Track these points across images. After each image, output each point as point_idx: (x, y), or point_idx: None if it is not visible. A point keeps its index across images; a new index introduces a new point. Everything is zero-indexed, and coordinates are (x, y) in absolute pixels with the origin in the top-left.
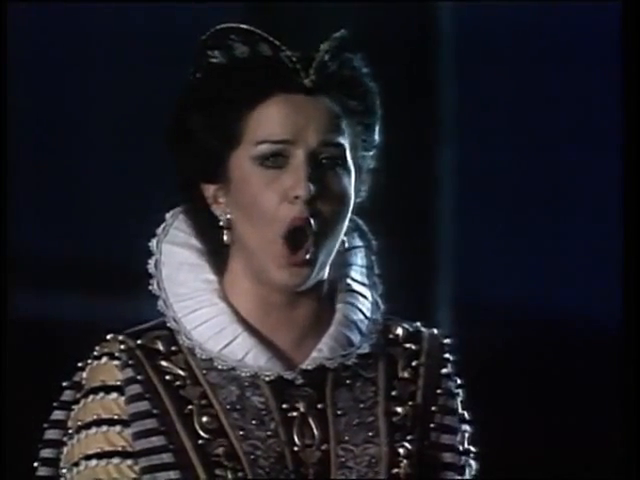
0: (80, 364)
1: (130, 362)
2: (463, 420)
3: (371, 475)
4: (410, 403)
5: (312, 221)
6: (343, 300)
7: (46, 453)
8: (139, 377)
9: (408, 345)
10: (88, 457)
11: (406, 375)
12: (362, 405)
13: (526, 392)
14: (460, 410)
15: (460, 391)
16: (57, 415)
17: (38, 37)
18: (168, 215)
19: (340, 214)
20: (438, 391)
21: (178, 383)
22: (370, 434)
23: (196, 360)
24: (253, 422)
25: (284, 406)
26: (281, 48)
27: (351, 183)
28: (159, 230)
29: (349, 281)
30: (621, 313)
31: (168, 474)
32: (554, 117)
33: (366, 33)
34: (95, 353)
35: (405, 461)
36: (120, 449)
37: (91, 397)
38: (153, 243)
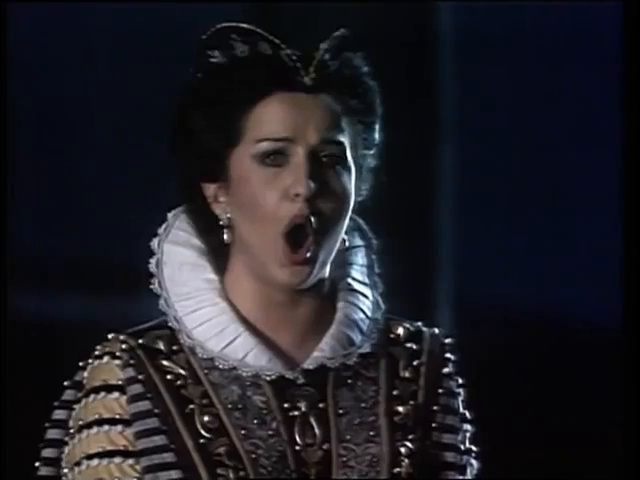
0: (81, 363)
1: (131, 361)
2: (464, 419)
3: (372, 474)
4: (411, 402)
5: (312, 219)
6: (344, 299)
7: (47, 453)
8: (140, 376)
9: (409, 345)
10: (90, 456)
11: (407, 374)
12: (363, 404)
13: (526, 392)
14: (461, 409)
15: (461, 390)
16: (58, 415)
17: (38, 37)
18: (170, 215)
19: (340, 212)
20: (439, 390)
21: (179, 382)
22: (371, 433)
23: (197, 359)
24: (254, 421)
25: (285, 405)
26: (281, 47)
27: (351, 181)
28: (161, 230)
29: (350, 280)
30: (621, 313)
31: (169, 473)
32: (554, 117)
33: (366, 33)
34: (96, 352)
35: (406, 460)
36: (122, 448)
37: (92, 396)
38: (155, 243)
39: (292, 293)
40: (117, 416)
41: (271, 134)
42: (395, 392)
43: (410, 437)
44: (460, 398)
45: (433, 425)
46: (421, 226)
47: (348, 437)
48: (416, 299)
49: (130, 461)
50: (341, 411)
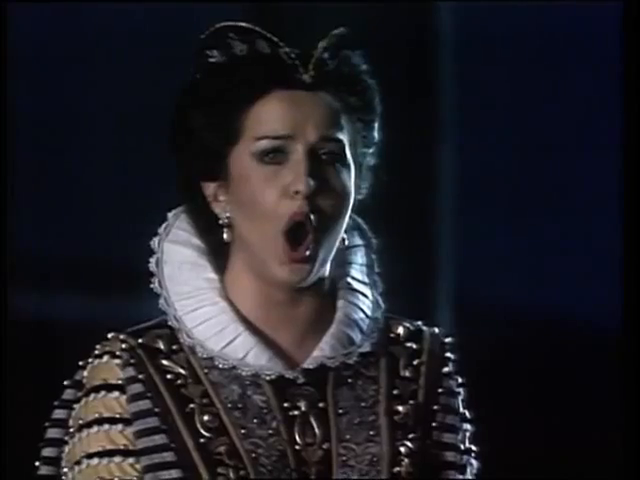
0: (81, 363)
1: (131, 361)
2: (464, 419)
3: (373, 474)
4: (411, 402)
5: (312, 217)
6: (344, 298)
7: (47, 452)
8: (140, 376)
9: (409, 344)
10: (90, 456)
11: (407, 374)
12: (363, 404)
13: (526, 391)
14: (461, 409)
15: (461, 390)
16: (58, 414)
17: (38, 37)
18: (170, 214)
19: (340, 210)
20: (439, 390)
21: (179, 382)
22: (371, 433)
23: (197, 359)
24: (254, 421)
25: (285, 405)
26: (279, 45)
27: (351, 179)
28: (161, 229)
29: (349, 280)
30: (621, 313)
31: (170, 473)
32: (554, 117)
33: (366, 33)
34: (96, 352)
35: (406, 460)
36: (122, 448)
37: (92, 396)
38: (155, 242)
39: (292, 292)
40: (117, 415)
41: (270, 132)
42: (395, 391)
43: (410, 436)
44: (460, 397)
45: (433, 424)
46: (421, 226)
47: (348, 436)
48: (416, 299)
49: (130, 460)
50: (341, 410)
